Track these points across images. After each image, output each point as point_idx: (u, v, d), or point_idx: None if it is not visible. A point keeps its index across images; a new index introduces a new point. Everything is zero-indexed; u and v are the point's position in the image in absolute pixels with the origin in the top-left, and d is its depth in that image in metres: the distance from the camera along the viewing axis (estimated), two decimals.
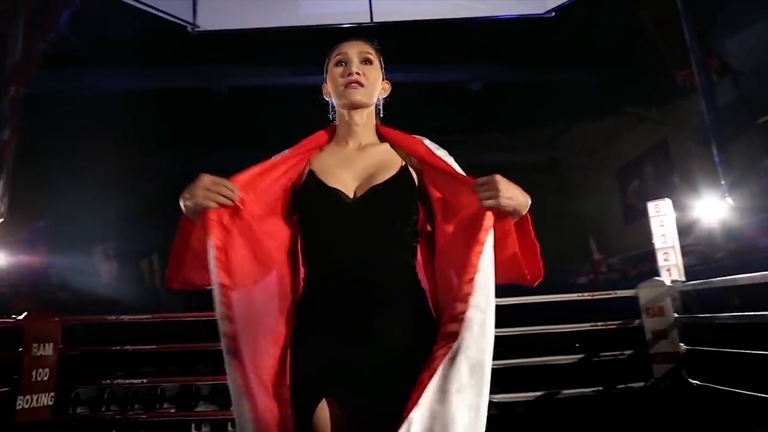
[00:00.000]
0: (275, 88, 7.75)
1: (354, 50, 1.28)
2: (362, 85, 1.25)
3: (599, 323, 3.45)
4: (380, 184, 1.19)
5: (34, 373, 3.29)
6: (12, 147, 4.09)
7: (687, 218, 6.01)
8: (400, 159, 1.26)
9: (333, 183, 1.21)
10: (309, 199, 1.21)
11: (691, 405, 3.15)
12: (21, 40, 4.31)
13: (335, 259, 1.16)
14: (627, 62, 7.62)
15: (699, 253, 6.68)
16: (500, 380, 3.45)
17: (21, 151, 4.41)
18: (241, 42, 6.11)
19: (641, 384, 3.32)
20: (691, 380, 3.22)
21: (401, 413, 0.99)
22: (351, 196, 1.20)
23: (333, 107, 1.35)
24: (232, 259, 1.12)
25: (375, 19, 4.02)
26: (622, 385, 3.36)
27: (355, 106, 1.27)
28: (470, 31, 6.55)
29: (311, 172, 1.25)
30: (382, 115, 1.39)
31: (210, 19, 4.22)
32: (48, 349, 3.38)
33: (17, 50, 4.28)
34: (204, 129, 8.35)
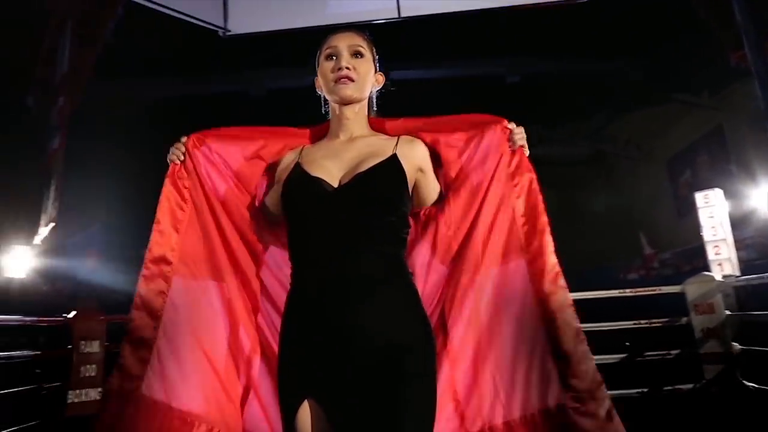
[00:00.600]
0: (312, 87, 7.82)
1: (344, 43, 1.24)
2: (352, 80, 1.21)
3: (642, 321, 3.27)
4: (364, 171, 1.15)
5: (82, 369, 3.44)
6: (61, 155, 4.31)
7: (745, 209, 5.64)
8: (391, 148, 1.22)
9: (316, 172, 1.18)
10: (291, 190, 1.19)
11: (745, 409, 2.93)
12: (68, 53, 4.52)
13: (317, 251, 1.13)
14: (674, 46, 7.23)
15: (759, 246, 6.25)
16: None
17: (72, 159, 4.64)
18: (277, 43, 6.20)
19: (691, 386, 3.12)
20: (746, 383, 3.00)
21: (385, 415, 0.95)
22: (335, 185, 1.16)
23: (326, 101, 1.32)
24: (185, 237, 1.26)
25: (402, 14, 3.98)
26: (670, 387, 3.18)
27: (345, 102, 1.24)
28: (504, 22, 6.38)
29: (297, 165, 1.23)
30: (375, 108, 1.35)
31: (241, 23, 4.29)
32: (95, 347, 3.53)
33: (65, 63, 4.49)
34: None
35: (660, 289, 3.41)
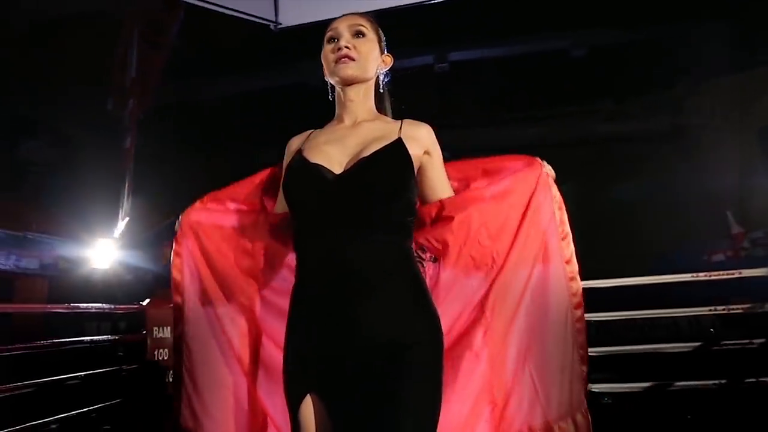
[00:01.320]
0: None
1: (344, 24, 1.21)
2: (353, 59, 1.18)
3: (719, 307, 2.99)
4: (367, 156, 1.11)
5: (156, 352, 3.71)
6: (132, 153, 4.61)
7: None
8: (396, 132, 1.17)
9: (316, 159, 1.15)
10: (291, 178, 1.18)
11: None
12: (136, 57, 4.81)
13: (318, 241, 1.10)
14: (763, 4, 6.51)
15: None
16: (603, 368, 3.18)
17: (144, 157, 4.96)
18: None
19: None
20: None
21: (384, 411, 0.92)
22: (336, 172, 1.13)
23: (333, 87, 1.29)
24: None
25: None
26: (753, 379, 2.90)
27: (347, 82, 1.21)
28: None
29: (299, 151, 1.21)
30: (382, 91, 1.30)
31: (291, 15, 4.34)
32: (166, 332, 3.78)
33: (133, 67, 4.79)
34: (306, 122, 8.69)
35: (740, 272, 3.10)
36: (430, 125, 1.22)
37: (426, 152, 1.19)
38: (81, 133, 6.11)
